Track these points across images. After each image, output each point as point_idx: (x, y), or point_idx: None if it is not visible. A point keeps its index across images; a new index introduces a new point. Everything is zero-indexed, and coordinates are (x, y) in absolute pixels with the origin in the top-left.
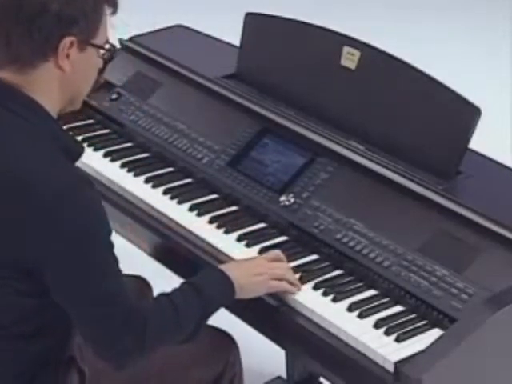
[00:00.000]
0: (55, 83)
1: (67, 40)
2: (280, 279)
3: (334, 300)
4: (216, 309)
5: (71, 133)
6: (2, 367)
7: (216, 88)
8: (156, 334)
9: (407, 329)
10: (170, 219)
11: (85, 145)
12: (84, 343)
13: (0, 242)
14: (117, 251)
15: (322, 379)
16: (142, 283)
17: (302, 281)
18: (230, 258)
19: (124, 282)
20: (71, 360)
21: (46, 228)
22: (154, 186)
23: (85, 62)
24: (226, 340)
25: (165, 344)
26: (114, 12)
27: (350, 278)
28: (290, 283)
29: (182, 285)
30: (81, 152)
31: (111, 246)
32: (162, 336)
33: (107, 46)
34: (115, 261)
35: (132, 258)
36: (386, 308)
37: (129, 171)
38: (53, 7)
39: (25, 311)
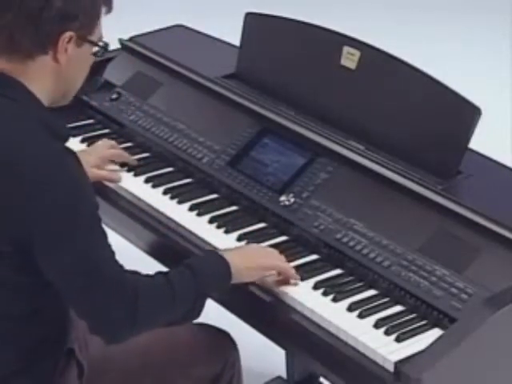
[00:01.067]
0: (49, 75)
1: (67, 34)
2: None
3: (334, 300)
4: (211, 291)
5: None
6: (1, 355)
7: (216, 88)
8: (148, 309)
9: (407, 329)
10: (170, 219)
11: (85, 144)
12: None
13: None
14: (117, 250)
15: (321, 379)
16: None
17: (302, 280)
18: None
19: (113, 254)
20: (70, 352)
21: (32, 201)
22: (154, 186)
23: (80, 57)
24: (225, 340)
25: (157, 321)
26: (109, 11)
27: (350, 277)
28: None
29: (179, 265)
30: (67, 135)
31: (98, 219)
32: (154, 311)
33: (101, 43)
34: (103, 233)
35: (132, 257)
36: (386, 308)
37: (129, 171)
38: (56, 3)
39: (20, 289)
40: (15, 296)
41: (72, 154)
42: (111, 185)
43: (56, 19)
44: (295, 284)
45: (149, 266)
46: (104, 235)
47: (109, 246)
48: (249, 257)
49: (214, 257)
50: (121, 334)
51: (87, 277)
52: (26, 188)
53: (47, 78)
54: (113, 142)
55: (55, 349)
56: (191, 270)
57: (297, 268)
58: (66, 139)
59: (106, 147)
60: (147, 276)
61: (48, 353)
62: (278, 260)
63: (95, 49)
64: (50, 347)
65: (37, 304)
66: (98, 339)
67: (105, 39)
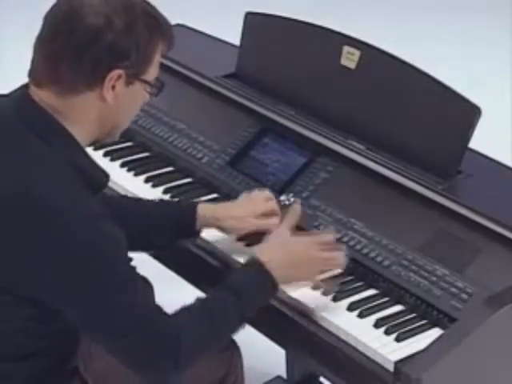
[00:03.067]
0: (93, 113)
1: (116, 72)
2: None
3: (334, 299)
4: (256, 307)
5: (98, 164)
6: (4, 376)
7: (216, 87)
8: (191, 349)
9: (407, 328)
10: None
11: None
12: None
13: (6, 267)
14: None
15: (322, 379)
16: (142, 282)
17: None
18: (231, 258)
19: (150, 301)
20: (75, 371)
21: (57, 262)
22: (154, 186)
23: (130, 96)
24: (228, 343)
25: (202, 355)
26: (170, 48)
27: (350, 277)
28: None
29: (222, 288)
30: (104, 183)
31: (132, 270)
32: (197, 348)
33: (154, 83)
34: (136, 281)
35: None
36: (386, 307)
37: (129, 170)
38: (107, 37)
39: (29, 334)
40: (26, 338)
41: (103, 215)
42: (111, 184)
43: (104, 54)
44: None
45: (149, 265)
46: (138, 282)
47: (148, 296)
48: (294, 270)
49: (261, 277)
50: (169, 380)
51: (130, 336)
52: (53, 242)
53: (91, 116)
54: (269, 194)
55: (60, 371)
56: (235, 294)
57: None
58: (104, 187)
59: (262, 200)
60: (185, 310)
61: (53, 374)
62: (337, 261)
63: (150, 88)
64: (55, 368)
65: (46, 341)
66: (102, 350)
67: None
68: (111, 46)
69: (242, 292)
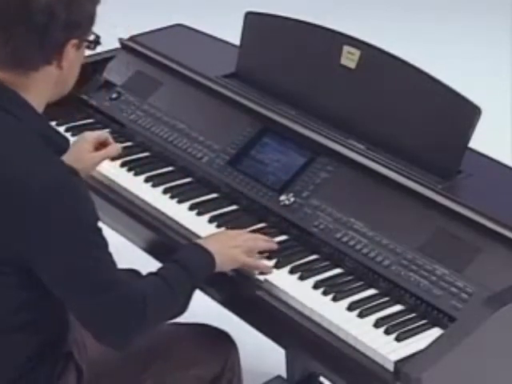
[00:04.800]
0: (51, 82)
1: (72, 42)
2: (253, 250)
3: (334, 299)
4: (201, 282)
5: (56, 127)
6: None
7: (216, 87)
8: (155, 311)
9: (407, 328)
10: (170, 218)
11: None
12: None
13: None
14: (116, 250)
15: (321, 378)
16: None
17: (302, 280)
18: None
19: (116, 265)
20: (69, 356)
21: (37, 222)
22: (153, 185)
23: (79, 57)
24: (225, 340)
25: (163, 319)
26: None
27: (350, 277)
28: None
29: (168, 263)
30: (67, 144)
31: (100, 231)
32: (160, 311)
33: (92, 37)
34: (106, 245)
35: (132, 257)
36: (386, 307)
37: (129, 170)
38: (60, 16)
39: (18, 304)
40: (15, 308)
41: (76, 173)
42: (111, 184)
43: (61, 30)
44: (269, 271)
45: (148, 265)
46: (107, 247)
47: (112, 257)
48: (229, 247)
49: (199, 249)
50: (132, 342)
51: (99, 294)
52: (30, 207)
53: (49, 85)
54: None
55: (54, 353)
56: (180, 265)
57: (297, 267)
58: (66, 150)
59: (88, 137)
60: (144, 278)
61: (47, 357)
62: (255, 243)
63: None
64: (49, 352)
65: (36, 313)
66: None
67: (105, 38)
68: (65, 21)
69: (185, 262)
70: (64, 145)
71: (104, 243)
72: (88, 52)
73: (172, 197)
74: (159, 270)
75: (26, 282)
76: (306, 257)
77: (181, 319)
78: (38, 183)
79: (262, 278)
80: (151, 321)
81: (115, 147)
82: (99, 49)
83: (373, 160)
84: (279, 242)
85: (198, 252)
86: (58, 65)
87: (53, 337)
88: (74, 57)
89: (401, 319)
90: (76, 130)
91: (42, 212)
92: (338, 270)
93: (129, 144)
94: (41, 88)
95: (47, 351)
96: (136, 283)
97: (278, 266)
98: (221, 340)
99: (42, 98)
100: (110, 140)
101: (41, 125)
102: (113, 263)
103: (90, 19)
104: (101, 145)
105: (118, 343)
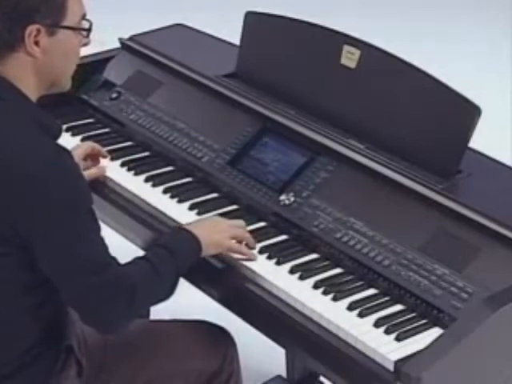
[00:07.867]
0: (29, 70)
1: (32, 28)
2: (238, 240)
3: (334, 299)
4: (188, 266)
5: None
6: (1, 354)
7: (216, 87)
8: (144, 295)
9: (407, 328)
10: (170, 218)
11: None
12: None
13: None
14: (116, 250)
15: (322, 378)
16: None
17: (303, 280)
18: (230, 257)
19: (107, 248)
20: (69, 350)
21: (30, 200)
22: (154, 185)
23: (58, 45)
24: (223, 336)
25: (150, 304)
26: None
27: (350, 276)
28: (247, 246)
29: (155, 248)
30: (59, 130)
31: (93, 213)
32: (148, 295)
33: (83, 23)
34: (99, 228)
35: (131, 257)
36: (386, 307)
37: (129, 170)
38: (9, 1)
39: (22, 287)
40: (20, 292)
41: (67, 151)
42: (111, 184)
43: (14, 15)
44: (254, 257)
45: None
46: (99, 230)
47: (104, 240)
48: (215, 232)
49: (185, 234)
50: (122, 325)
51: (89, 275)
52: (25, 185)
53: (28, 73)
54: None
55: (54, 345)
56: (167, 249)
57: (297, 267)
58: (59, 135)
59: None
60: (132, 263)
61: (47, 349)
62: (242, 233)
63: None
64: (49, 343)
65: (39, 296)
66: (97, 336)
67: (102, 35)
68: (16, 6)
69: (171, 247)
70: (57, 130)
71: (97, 227)
72: (88, 51)
73: (172, 197)
74: (146, 254)
75: (27, 262)
76: (306, 256)
77: (181, 318)
78: (37, 160)
79: (262, 278)
80: (139, 305)
81: (102, 170)
82: (99, 49)
83: (373, 160)
84: (279, 242)
85: (184, 236)
86: (26, 52)
87: (53, 327)
88: (48, 44)
89: (401, 319)
90: (76, 130)
91: (41, 186)
92: (338, 270)
93: (129, 144)
94: (20, 76)
95: (47, 342)
96: (125, 268)
97: (277, 266)
98: (219, 335)
99: (30, 86)
100: (104, 154)
101: (33, 109)
102: (104, 246)
103: (52, 3)
104: (94, 156)
105: (104, 326)
